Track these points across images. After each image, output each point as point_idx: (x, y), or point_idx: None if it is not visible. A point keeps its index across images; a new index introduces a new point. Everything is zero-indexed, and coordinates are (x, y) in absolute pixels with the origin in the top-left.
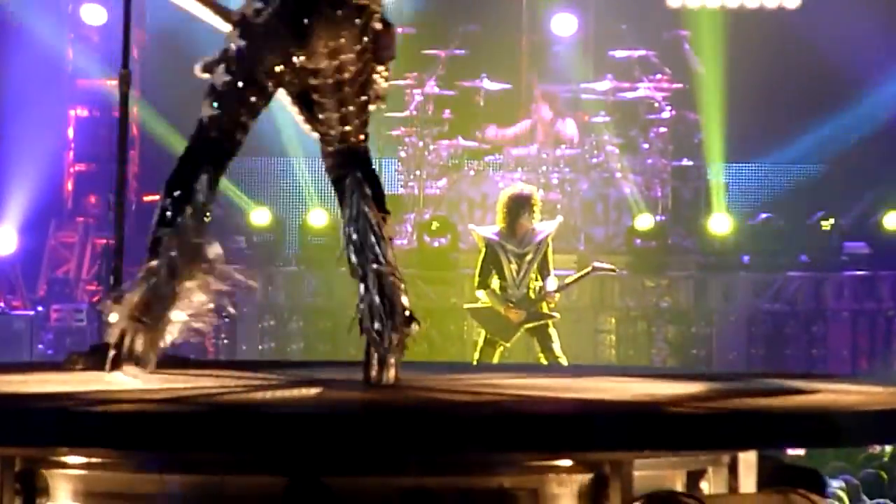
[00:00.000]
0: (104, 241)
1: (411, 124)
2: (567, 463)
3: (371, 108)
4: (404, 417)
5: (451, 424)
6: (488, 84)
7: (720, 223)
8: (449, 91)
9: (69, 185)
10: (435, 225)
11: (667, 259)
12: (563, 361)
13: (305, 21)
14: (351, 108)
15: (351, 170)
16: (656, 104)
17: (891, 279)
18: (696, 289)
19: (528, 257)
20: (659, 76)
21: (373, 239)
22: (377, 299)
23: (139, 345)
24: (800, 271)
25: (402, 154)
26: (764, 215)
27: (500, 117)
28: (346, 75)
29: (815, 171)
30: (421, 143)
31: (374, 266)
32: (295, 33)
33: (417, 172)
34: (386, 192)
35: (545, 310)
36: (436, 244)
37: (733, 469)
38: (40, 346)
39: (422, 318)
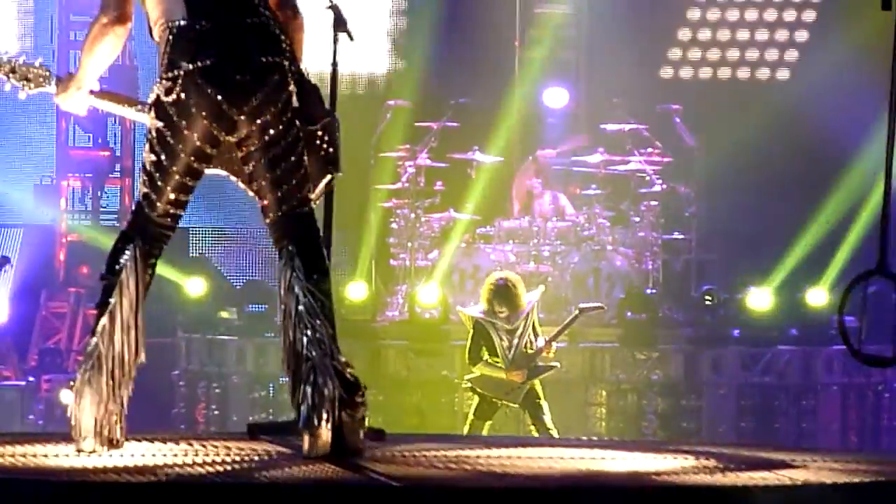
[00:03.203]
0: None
1: (403, 196)
2: None
3: (326, 178)
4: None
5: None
6: (480, 156)
7: (711, 296)
8: (441, 163)
9: (61, 256)
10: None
11: (657, 332)
12: (555, 433)
13: (211, 90)
14: (280, 170)
15: (286, 242)
16: (647, 177)
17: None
18: (687, 362)
19: (519, 331)
20: (650, 149)
21: (301, 309)
22: (305, 373)
23: (104, 424)
24: (790, 345)
25: (394, 226)
26: (753, 289)
27: (491, 190)
28: (270, 134)
29: (807, 244)
30: (413, 215)
31: (296, 343)
32: (208, 105)
33: (409, 244)
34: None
35: (545, 362)
36: (427, 316)
37: None
38: (31, 416)
39: (412, 389)
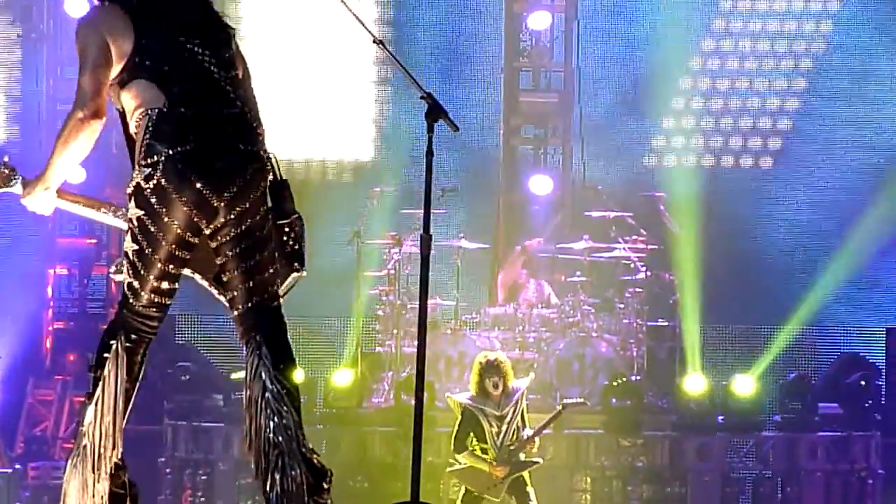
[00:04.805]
0: (82, 399)
1: (389, 283)
2: None
3: (293, 275)
4: None
5: None
6: (466, 243)
7: (695, 383)
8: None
9: (47, 343)
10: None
11: (642, 418)
12: None
13: (192, 176)
14: (252, 262)
15: (254, 333)
16: (632, 265)
17: (864, 440)
18: (671, 448)
19: (508, 417)
20: (635, 237)
21: (269, 396)
22: (273, 460)
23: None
24: (774, 431)
25: (381, 313)
26: (737, 375)
27: (477, 276)
28: (247, 223)
29: (790, 330)
30: (399, 302)
31: (264, 429)
32: (189, 191)
33: (395, 331)
34: (365, 351)
35: (526, 458)
36: (413, 402)
37: None
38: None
39: (398, 476)
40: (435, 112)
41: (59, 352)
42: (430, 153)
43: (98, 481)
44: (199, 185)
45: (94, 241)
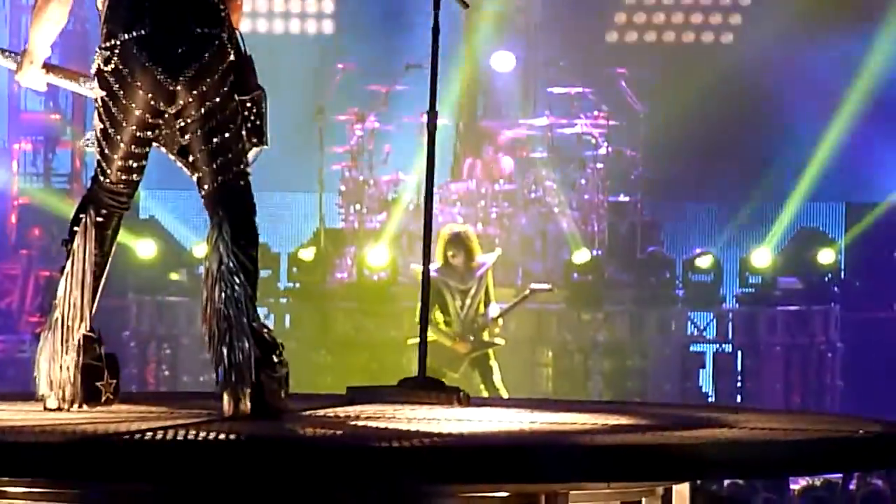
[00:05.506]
0: (48, 272)
1: (352, 159)
2: (502, 495)
3: (254, 150)
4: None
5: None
6: None
7: (656, 258)
8: (390, 126)
9: (13, 218)
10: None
11: (603, 293)
12: (504, 393)
13: (147, 61)
14: (216, 141)
15: (218, 210)
16: (594, 140)
17: (823, 314)
18: (632, 323)
19: (472, 291)
20: (596, 113)
21: (223, 269)
22: (222, 333)
23: (60, 384)
24: (734, 306)
25: (343, 188)
26: (698, 250)
27: (440, 152)
28: (207, 105)
29: (750, 206)
30: (361, 178)
31: (216, 301)
32: (145, 76)
33: (358, 207)
34: (328, 226)
35: (489, 337)
36: (375, 278)
37: (668, 500)
38: None
39: (361, 350)
40: None
41: (24, 226)
42: (436, 30)
43: (67, 353)
44: (154, 70)
45: (58, 115)
